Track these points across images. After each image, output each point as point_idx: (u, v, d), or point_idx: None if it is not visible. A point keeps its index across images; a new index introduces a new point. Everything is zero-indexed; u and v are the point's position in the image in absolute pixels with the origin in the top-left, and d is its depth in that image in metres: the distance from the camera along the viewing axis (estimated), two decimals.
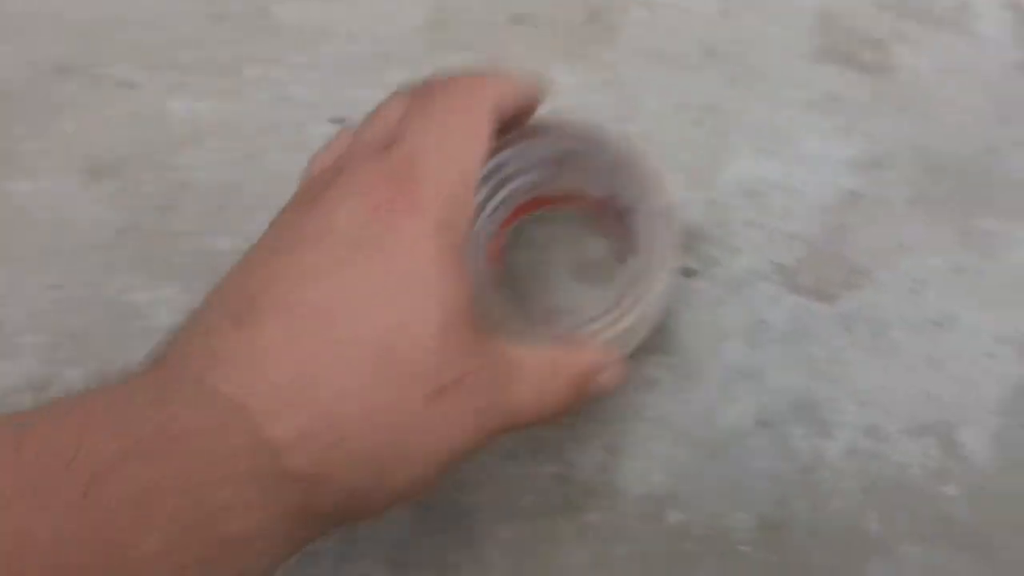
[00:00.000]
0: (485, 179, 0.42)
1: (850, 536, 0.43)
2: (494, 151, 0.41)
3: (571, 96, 0.52)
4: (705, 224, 0.49)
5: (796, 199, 0.49)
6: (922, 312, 0.46)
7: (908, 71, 0.52)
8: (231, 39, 0.55)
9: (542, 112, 0.41)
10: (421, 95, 0.36)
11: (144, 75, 0.54)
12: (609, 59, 0.53)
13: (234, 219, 0.50)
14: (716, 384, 0.46)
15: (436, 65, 0.52)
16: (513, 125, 0.38)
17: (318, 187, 0.34)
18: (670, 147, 0.50)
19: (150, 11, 0.56)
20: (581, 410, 0.38)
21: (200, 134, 0.52)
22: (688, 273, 0.48)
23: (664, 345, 0.46)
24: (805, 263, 0.48)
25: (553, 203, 0.46)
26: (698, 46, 0.53)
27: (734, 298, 0.47)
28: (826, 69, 0.52)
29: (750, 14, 0.53)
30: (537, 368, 0.34)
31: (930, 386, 0.45)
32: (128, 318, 0.49)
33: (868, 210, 0.49)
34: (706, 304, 0.47)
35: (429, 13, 0.55)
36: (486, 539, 0.44)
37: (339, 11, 0.55)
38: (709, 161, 0.50)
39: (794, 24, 0.53)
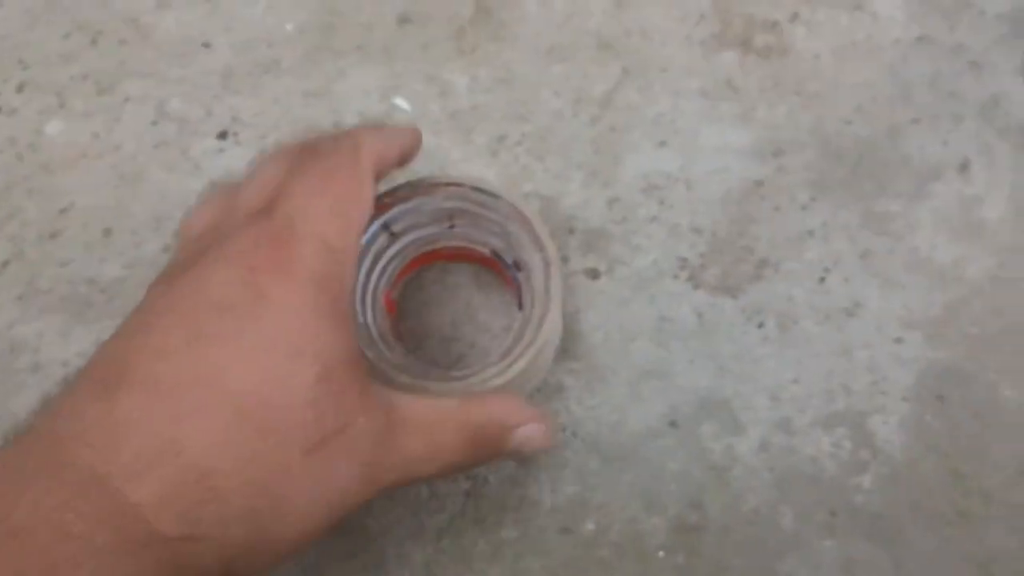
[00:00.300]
0: (376, 234, 0.43)
1: (765, 533, 0.43)
2: (386, 205, 0.41)
3: (465, 97, 0.50)
4: (607, 223, 0.48)
5: (698, 192, 0.48)
6: (830, 301, 0.46)
7: (805, 54, 0.51)
8: (106, 57, 0.53)
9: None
10: (299, 156, 0.35)
11: (18, 99, 0.52)
12: (502, 56, 0.52)
13: (121, 244, 0.48)
14: (625, 387, 0.45)
15: (325, 71, 0.51)
16: (397, 167, 0.39)
17: (193, 254, 0.33)
18: (568, 145, 0.49)
19: (19, 33, 0.53)
20: (493, 464, 0.38)
21: (80, 157, 0.50)
22: (593, 274, 0.47)
23: (571, 350, 0.45)
24: (709, 257, 0.47)
25: (446, 256, 0.46)
26: (593, 39, 0.52)
27: (639, 297, 0.46)
28: (722, 56, 0.51)
29: (644, 4, 0.52)
30: (429, 420, 0.34)
31: (840, 376, 0.45)
32: (17, 352, 0.47)
33: (771, 199, 0.48)
34: (612, 305, 0.46)
35: (313, 17, 0.53)
36: (399, 562, 0.43)
37: (217, 21, 0.53)
38: (608, 157, 0.49)
39: (689, 12, 0.52)
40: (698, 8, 0.52)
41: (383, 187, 0.42)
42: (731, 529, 0.43)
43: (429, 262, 0.47)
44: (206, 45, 0.53)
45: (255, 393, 0.29)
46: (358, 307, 0.42)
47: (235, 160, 0.50)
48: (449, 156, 0.50)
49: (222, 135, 0.51)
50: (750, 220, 0.47)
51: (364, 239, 0.43)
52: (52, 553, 0.25)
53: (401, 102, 0.51)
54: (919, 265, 0.46)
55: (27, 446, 0.28)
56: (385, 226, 0.44)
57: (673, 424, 0.44)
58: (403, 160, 0.38)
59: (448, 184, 0.43)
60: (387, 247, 0.44)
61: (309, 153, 0.35)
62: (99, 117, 0.52)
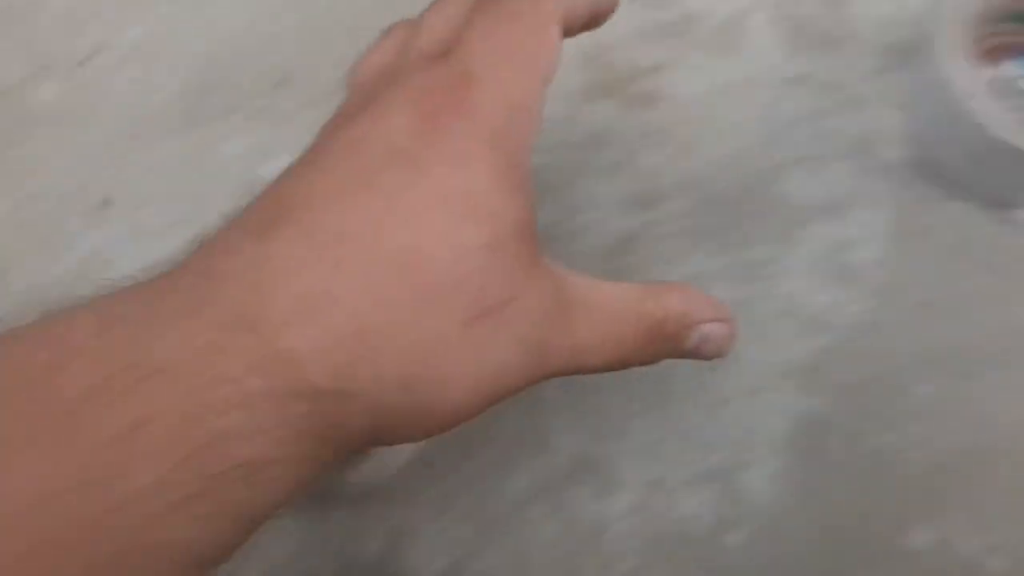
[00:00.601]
0: None
1: None
2: None
3: None
4: None
5: (566, 246, 0.48)
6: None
7: (680, 99, 0.51)
8: None
9: None
10: (476, 8, 0.32)
11: None
12: None
13: None
14: (497, 454, 0.45)
15: (194, 137, 0.50)
16: (586, 28, 0.35)
17: (366, 95, 0.31)
18: None
19: None
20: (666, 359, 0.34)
21: None
22: None
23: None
24: None
25: None
26: None
27: None
28: (594, 107, 0.51)
29: None
30: (605, 306, 0.31)
31: (713, 431, 0.44)
32: None
33: (647, 249, 0.47)
34: None
35: (189, 79, 0.53)
36: None
37: (94, 93, 0.53)
38: None
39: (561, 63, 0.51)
40: (569, 59, 0.51)
41: None
42: None
43: None
44: (84, 116, 0.52)
45: (420, 251, 0.27)
46: None
47: (111, 233, 0.50)
48: None
49: (101, 206, 0.51)
50: (625, 271, 0.47)
51: None
52: (199, 395, 0.23)
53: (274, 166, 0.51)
54: (792, 312, 0.46)
55: (175, 280, 0.27)
56: None
57: (543, 490, 0.44)
58: (594, 18, 0.35)
59: None
60: None
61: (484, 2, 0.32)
62: None
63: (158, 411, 0.23)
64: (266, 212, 0.28)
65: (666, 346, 0.33)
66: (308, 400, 0.25)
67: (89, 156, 0.52)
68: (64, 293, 0.46)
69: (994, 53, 0.46)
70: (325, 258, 0.27)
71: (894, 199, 0.48)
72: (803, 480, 0.43)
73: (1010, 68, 0.46)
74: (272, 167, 0.48)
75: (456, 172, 0.28)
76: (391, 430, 0.28)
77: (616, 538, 0.43)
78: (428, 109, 0.29)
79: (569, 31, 0.33)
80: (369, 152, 0.29)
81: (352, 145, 0.29)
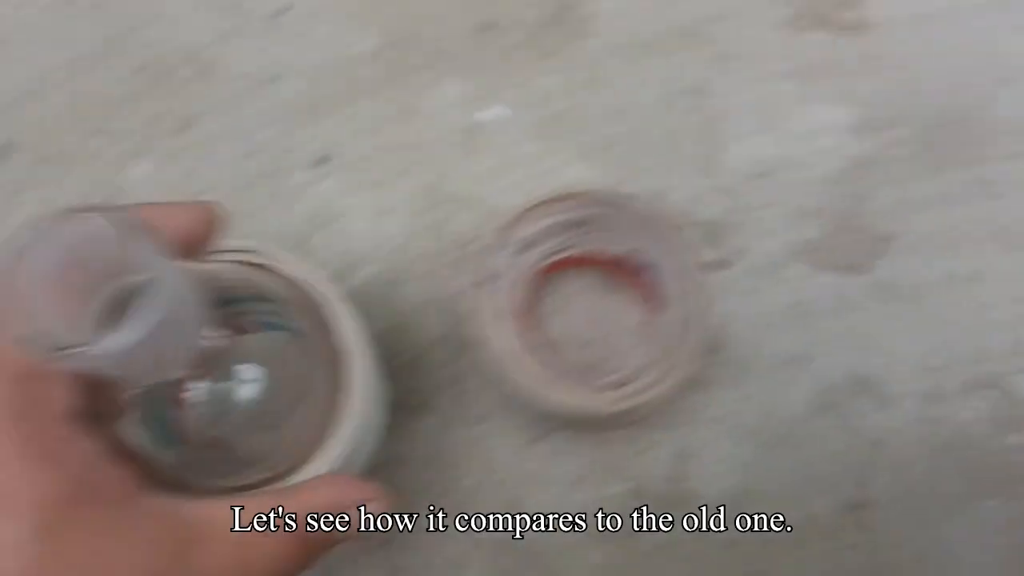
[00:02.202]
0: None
1: (929, 501, 0.43)
2: (508, 223, 0.43)
3: (557, 100, 0.50)
4: (722, 213, 0.48)
5: (806, 174, 0.49)
6: (952, 267, 0.47)
7: (886, 25, 0.52)
8: (181, 93, 0.51)
9: None
10: None
11: (98, 143, 0.51)
12: (586, 56, 0.52)
13: None
14: (770, 373, 0.45)
15: (403, 88, 0.50)
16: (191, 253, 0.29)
17: None
18: (667, 139, 0.50)
19: (78, 77, 0.52)
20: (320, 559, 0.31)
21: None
22: (722, 265, 0.47)
23: (711, 343, 0.45)
24: (830, 237, 0.47)
25: (578, 263, 0.45)
26: (675, 29, 0.52)
27: (768, 284, 0.47)
28: (805, 37, 0.52)
29: None
30: (234, 526, 0.27)
31: (978, 339, 0.46)
32: None
33: (878, 174, 0.49)
34: (743, 294, 0.47)
35: (384, 36, 0.52)
36: (572, 567, 0.43)
37: (288, 50, 0.52)
38: (710, 148, 0.49)
39: None
40: None
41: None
42: (898, 501, 0.43)
43: (560, 269, 0.46)
44: (279, 76, 0.52)
45: None
46: (502, 327, 0.42)
47: (336, 186, 0.50)
48: (548, 162, 0.50)
49: (319, 162, 0.50)
50: (863, 197, 0.48)
51: (502, 255, 0.43)
52: None
53: (492, 112, 0.51)
54: None
55: None
56: (519, 239, 0.44)
57: (825, 405, 0.45)
58: (192, 243, 0.29)
59: (579, 194, 0.43)
60: (519, 260, 0.44)
61: None
62: (186, 156, 0.51)
63: None
64: None
65: (324, 542, 0.30)
66: None
67: (300, 112, 0.51)
68: (298, 242, 0.46)
69: None
70: None
71: None
72: None
73: None
74: (488, 112, 0.49)
75: None
76: None
77: (900, 447, 0.44)
78: None
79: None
80: None
81: None
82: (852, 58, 0.51)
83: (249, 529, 0.27)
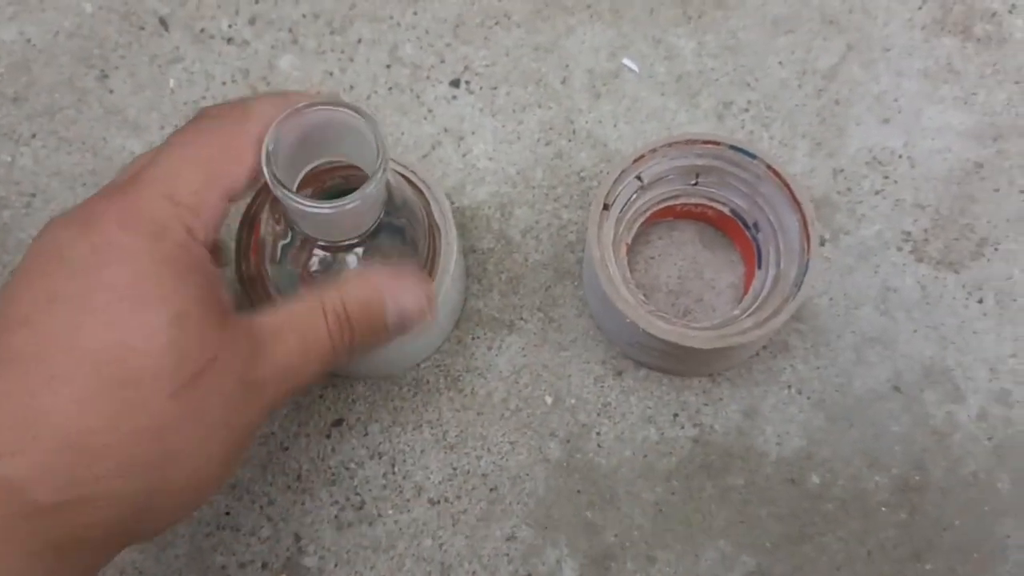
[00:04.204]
0: (628, 184, 0.45)
1: (982, 497, 0.45)
2: (644, 159, 0.43)
3: (691, 61, 0.52)
4: (832, 192, 0.50)
5: (920, 169, 0.50)
6: None
7: (1022, 44, 0.52)
8: None
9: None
10: (180, 129, 0.35)
11: (250, 32, 0.54)
12: (728, 24, 0.53)
13: None
14: (850, 351, 0.47)
15: (554, 27, 0.52)
16: None
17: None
18: (793, 114, 0.51)
19: None
20: (385, 342, 0.37)
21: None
22: (822, 241, 0.48)
23: (796, 312, 0.47)
24: (932, 233, 0.49)
25: (680, 214, 0.48)
26: (817, 13, 0.53)
27: (864, 266, 0.48)
28: (942, 40, 0.53)
29: None
30: (294, 325, 0.34)
31: None
32: None
33: (991, 181, 0.50)
34: (836, 272, 0.48)
35: None
36: (629, 499, 0.45)
37: None
38: (833, 129, 0.51)
39: None
40: None
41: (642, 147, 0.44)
42: (951, 491, 0.45)
43: (666, 217, 0.49)
44: None
45: (111, 348, 0.29)
46: (611, 255, 0.44)
47: (467, 108, 0.52)
48: (675, 119, 0.52)
49: (455, 83, 0.53)
50: (971, 200, 0.49)
51: (620, 189, 0.45)
52: None
53: (629, 62, 0.53)
54: None
55: None
56: (638, 177, 0.46)
57: (897, 389, 0.46)
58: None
59: (705, 141, 0.45)
60: (635, 198, 0.46)
61: (188, 124, 0.35)
62: (332, 56, 0.53)
63: None
64: None
65: (367, 329, 0.35)
66: (35, 521, 0.27)
67: (446, 33, 0.54)
68: (424, 153, 0.48)
69: None
70: (27, 380, 0.28)
71: None
72: None
73: None
74: (624, 61, 0.51)
75: (123, 269, 0.30)
76: (140, 524, 0.30)
77: (963, 441, 0.46)
78: (90, 218, 0.31)
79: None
80: (48, 268, 0.30)
81: (34, 266, 0.31)
82: (983, 67, 0.52)
83: (303, 319, 0.34)
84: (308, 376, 0.34)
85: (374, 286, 0.35)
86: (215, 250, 0.34)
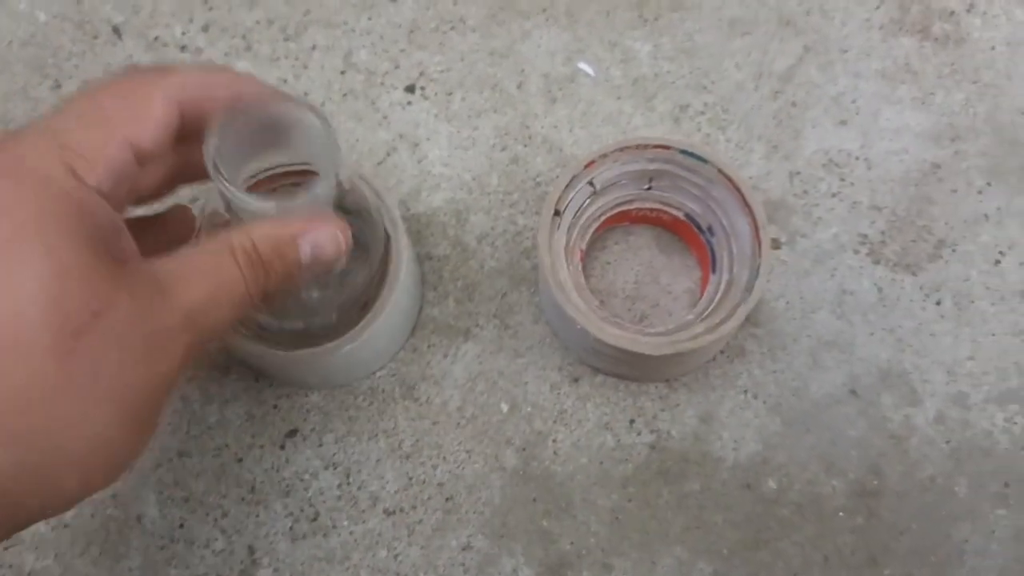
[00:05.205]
0: (581, 190, 0.45)
1: (939, 500, 0.45)
2: (594, 164, 0.43)
3: (647, 64, 0.52)
4: (788, 195, 0.49)
5: (877, 171, 0.50)
6: (1004, 283, 0.48)
7: (981, 44, 0.52)
8: (291, 4, 0.54)
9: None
10: (95, 81, 0.34)
11: (203, 39, 0.53)
12: (684, 27, 0.53)
13: None
14: (806, 355, 0.47)
15: (509, 31, 0.52)
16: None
17: None
18: (750, 117, 0.51)
19: None
20: (301, 283, 0.36)
21: None
22: (774, 244, 0.48)
23: (752, 316, 0.47)
24: (888, 235, 0.49)
25: (634, 219, 0.47)
26: (774, 15, 0.53)
27: (820, 269, 0.48)
28: (900, 40, 0.52)
29: None
30: (201, 267, 0.32)
31: (1014, 355, 0.46)
32: None
33: (948, 182, 0.49)
34: (792, 275, 0.48)
35: None
36: (585, 507, 0.45)
37: None
38: (789, 132, 0.51)
39: None
40: None
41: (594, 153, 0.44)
42: (908, 495, 0.45)
43: (621, 222, 0.48)
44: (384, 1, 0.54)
45: None
46: (563, 262, 0.44)
47: (422, 114, 0.52)
48: (631, 122, 0.51)
49: (409, 88, 0.52)
50: (928, 201, 0.49)
51: (572, 196, 0.45)
52: None
53: (585, 66, 0.52)
54: None
55: None
56: (591, 183, 0.45)
57: (853, 393, 0.46)
58: (235, 101, 0.34)
59: (656, 146, 0.45)
60: (588, 204, 0.46)
61: (112, 74, 0.33)
62: (286, 63, 0.53)
63: None
64: None
65: (279, 268, 0.33)
66: None
67: (401, 38, 0.53)
68: (376, 163, 0.48)
69: None
70: None
71: None
72: None
73: None
74: (579, 66, 0.50)
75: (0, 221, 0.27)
76: (46, 495, 0.28)
77: (920, 445, 0.45)
78: None
79: (205, 111, 0.34)
80: None
81: None
82: (941, 67, 0.52)
83: (210, 261, 0.32)
84: (220, 321, 0.32)
85: (283, 224, 0.33)
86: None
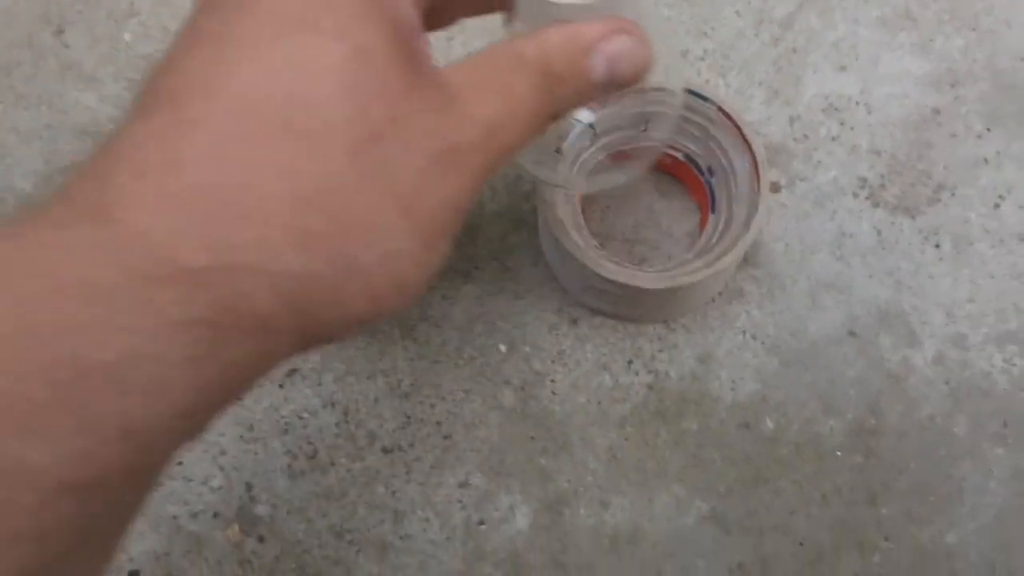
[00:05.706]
0: (581, 133, 0.44)
1: (939, 440, 0.45)
2: (596, 106, 0.43)
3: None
4: (788, 140, 0.49)
5: (877, 115, 0.50)
6: (1003, 226, 0.48)
7: None
8: None
9: None
10: None
11: None
12: None
13: None
14: (805, 296, 0.47)
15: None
16: None
17: None
18: (750, 63, 0.51)
19: None
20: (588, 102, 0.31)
21: None
22: (774, 188, 0.48)
23: (752, 258, 0.47)
24: (888, 178, 0.48)
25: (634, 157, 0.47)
26: None
27: (820, 212, 0.48)
28: None
29: None
30: (496, 71, 0.27)
31: (1013, 297, 0.46)
32: None
33: (947, 127, 0.49)
34: (792, 218, 0.48)
35: None
36: (583, 445, 0.45)
37: None
38: (790, 77, 0.51)
39: None
40: None
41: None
42: (907, 434, 0.45)
43: (619, 161, 0.48)
44: None
45: (272, 89, 0.23)
46: (562, 200, 0.44)
47: None
48: None
49: None
50: (927, 145, 0.49)
51: (570, 138, 0.45)
52: (37, 300, 0.20)
53: None
54: None
55: (55, 206, 0.23)
56: (591, 125, 0.45)
57: (852, 333, 0.46)
58: None
59: (655, 88, 0.45)
60: (588, 146, 0.46)
61: None
62: None
63: None
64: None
65: (577, 81, 0.28)
66: (179, 284, 0.22)
67: None
68: None
69: None
70: (166, 126, 0.23)
71: None
72: None
73: None
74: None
75: (296, 11, 0.24)
76: (331, 308, 0.24)
77: (919, 385, 0.45)
78: None
79: None
80: (200, 6, 0.25)
81: (194, 6, 0.26)
82: (941, 13, 0.52)
83: (506, 71, 0.27)
84: (517, 138, 0.27)
85: (577, 32, 0.28)
86: None
